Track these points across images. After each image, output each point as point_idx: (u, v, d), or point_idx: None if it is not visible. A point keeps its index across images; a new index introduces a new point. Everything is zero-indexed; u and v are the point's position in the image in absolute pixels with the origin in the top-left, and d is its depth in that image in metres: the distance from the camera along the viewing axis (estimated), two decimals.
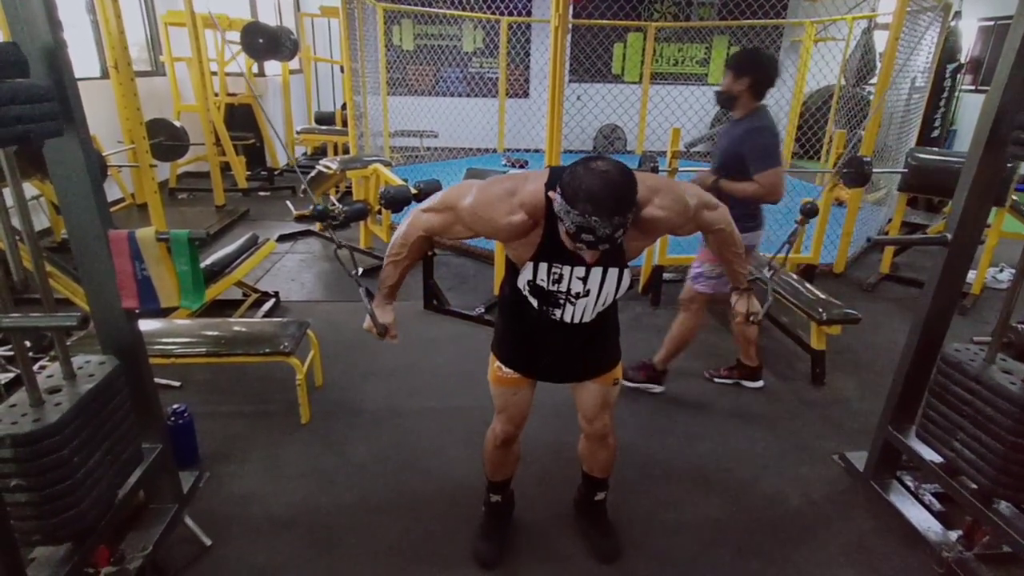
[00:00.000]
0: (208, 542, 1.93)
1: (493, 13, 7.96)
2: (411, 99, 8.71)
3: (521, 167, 7.39)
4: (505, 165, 7.63)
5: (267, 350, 2.51)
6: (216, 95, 6.53)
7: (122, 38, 3.49)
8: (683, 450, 2.48)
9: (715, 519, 2.11)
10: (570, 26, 3.41)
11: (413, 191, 3.32)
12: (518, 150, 8.82)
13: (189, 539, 1.93)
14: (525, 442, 1.95)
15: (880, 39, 6.29)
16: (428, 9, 7.77)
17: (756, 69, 2.41)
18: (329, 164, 4.79)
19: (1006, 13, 7.41)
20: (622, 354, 1.78)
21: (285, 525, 2.03)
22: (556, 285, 1.48)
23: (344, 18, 5.45)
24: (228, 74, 7.01)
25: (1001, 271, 4.53)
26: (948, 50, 5.65)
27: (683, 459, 2.43)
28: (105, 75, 5.54)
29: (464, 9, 7.96)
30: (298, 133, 7.84)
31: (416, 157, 8.55)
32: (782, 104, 8.39)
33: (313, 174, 4.90)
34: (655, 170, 3.48)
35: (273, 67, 7.93)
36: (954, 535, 1.98)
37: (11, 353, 2.78)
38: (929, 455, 2.02)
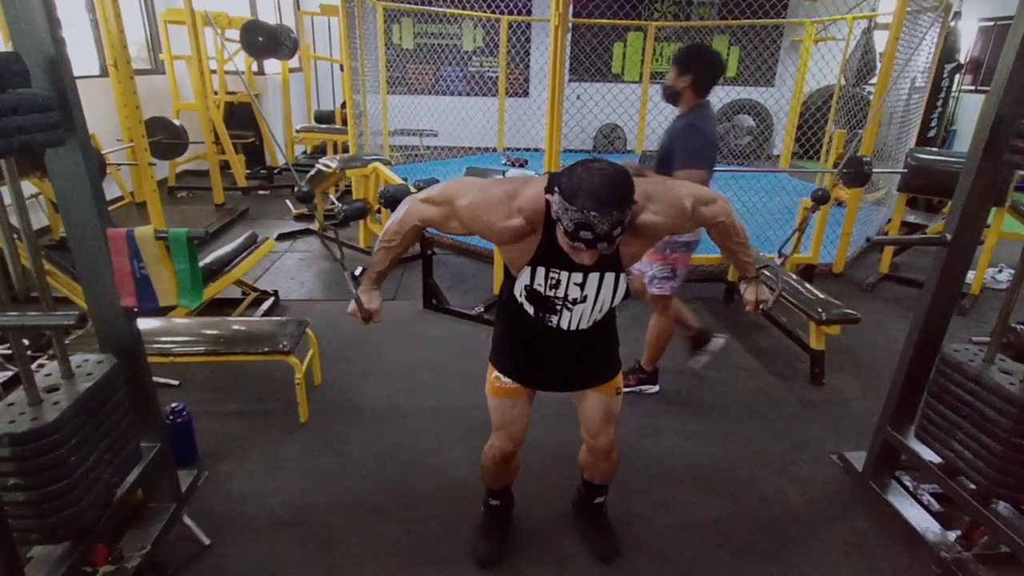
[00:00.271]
0: (207, 541, 1.92)
1: (493, 12, 7.96)
2: (411, 98, 8.71)
3: (521, 166, 7.39)
4: (505, 164, 7.62)
5: (266, 349, 2.51)
6: (215, 93, 6.52)
7: (121, 36, 3.49)
8: (682, 450, 2.48)
9: (714, 519, 2.11)
10: (570, 25, 3.40)
11: (413, 190, 3.32)
12: (518, 149, 8.82)
13: (188, 538, 1.93)
14: (525, 441, 1.95)
15: (880, 39, 6.28)
16: (428, 8, 7.76)
17: (698, 66, 2.41)
18: (329, 163, 4.80)
19: (1006, 13, 7.41)
20: (621, 352, 1.77)
21: (284, 524, 2.03)
22: (553, 290, 1.48)
23: (344, 16, 5.45)
24: (228, 72, 7.00)
25: (1000, 271, 4.53)
26: (946, 50, 5.66)
27: (682, 459, 2.43)
28: (104, 73, 5.54)
29: (464, 8, 7.96)
30: (298, 132, 7.83)
31: (416, 156, 8.55)
32: (782, 104, 8.40)
33: (313, 173, 4.91)
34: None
35: (273, 65, 7.92)
36: (952, 535, 1.98)
37: (9, 351, 2.78)
38: (928, 455, 2.02)
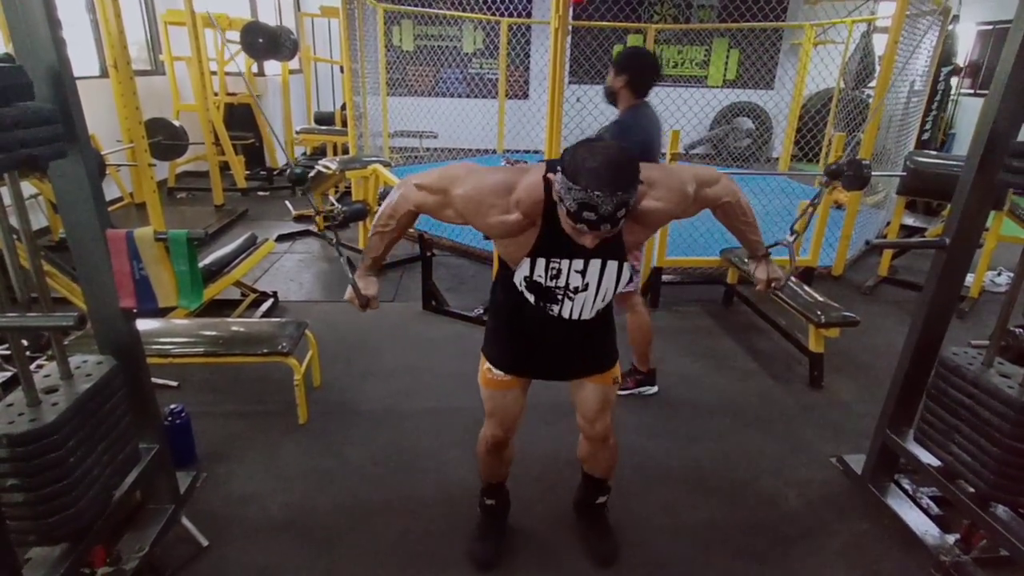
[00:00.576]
0: (205, 543, 1.92)
1: (493, 14, 7.97)
2: (411, 100, 8.71)
3: None
4: (505, 166, 7.62)
5: (265, 350, 2.51)
6: (215, 95, 6.53)
7: (121, 37, 3.49)
8: (681, 452, 2.48)
9: (713, 521, 2.11)
10: (570, 27, 3.41)
11: None
12: (518, 151, 8.82)
13: (186, 539, 1.92)
14: (523, 443, 1.95)
15: (879, 42, 6.30)
16: (428, 10, 7.77)
17: (632, 66, 2.47)
18: (328, 164, 4.79)
19: (1005, 17, 7.43)
20: (620, 353, 1.76)
21: (283, 526, 2.02)
22: (554, 280, 1.46)
23: (344, 18, 5.45)
24: (228, 74, 7.01)
25: (999, 275, 4.54)
26: (943, 53, 5.67)
27: (681, 461, 2.42)
28: (104, 74, 5.54)
29: (464, 10, 7.97)
30: (297, 133, 7.84)
31: (416, 158, 8.55)
32: (781, 107, 8.41)
33: (312, 174, 4.90)
34: None
35: (273, 67, 7.92)
36: (951, 539, 1.98)
37: (8, 352, 2.78)
38: (927, 458, 2.02)
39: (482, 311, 3.64)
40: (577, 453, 1.91)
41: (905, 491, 2.21)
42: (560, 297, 1.49)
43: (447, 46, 9.26)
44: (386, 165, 4.54)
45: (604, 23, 8.48)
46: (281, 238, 5.05)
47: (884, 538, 2.05)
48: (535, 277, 1.46)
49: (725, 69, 9.61)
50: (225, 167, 6.34)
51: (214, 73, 6.58)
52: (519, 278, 1.49)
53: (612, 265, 1.45)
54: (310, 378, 2.81)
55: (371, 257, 1.64)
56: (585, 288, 1.47)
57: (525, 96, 9.54)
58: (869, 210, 5.50)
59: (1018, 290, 1.78)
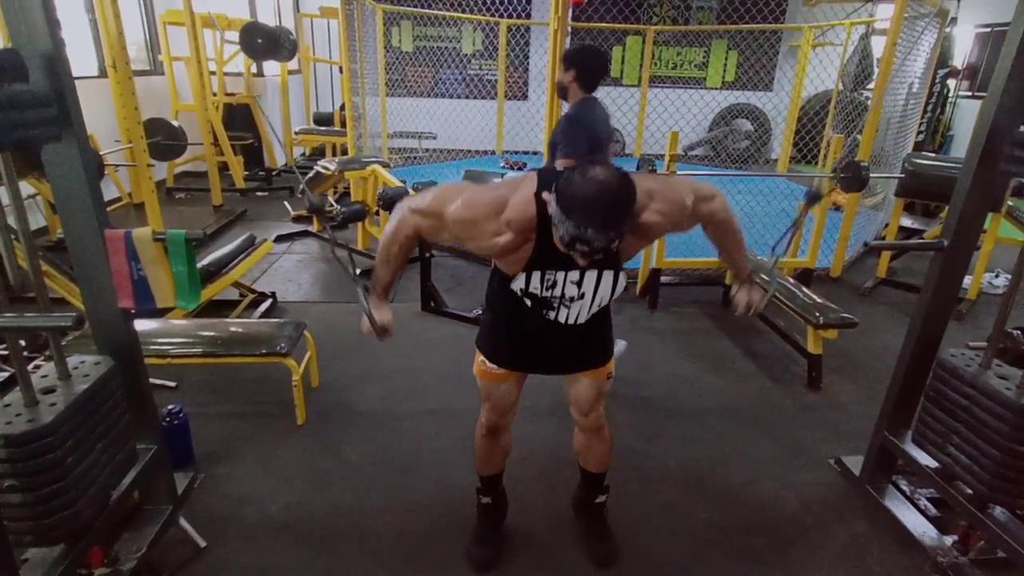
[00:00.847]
0: (203, 543, 1.92)
1: (492, 15, 7.97)
2: (410, 100, 8.71)
3: (519, 169, 7.39)
4: (504, 167, 7.63)
5: (264, 351, 2.51)
6: (214, 95, 6.52)
7: (120, 37, 3.49)
8: (679, 453, 2.48)
9: (711, 522, 2.11)
10: (569, 29, 3.41)
11: (412, 192, 3.32)
12: (517, 152, 8.82)
13: (184, 540, 1.92)
14: (522, 443, 1.95)
15: (878, 44, 6.31)
16: (428, 11, 7.78)
17: (581, 62, 2.55)
18: (327, 165, 4.80)
19: (1003, 20, 7.45)
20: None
21: (281, 527, 2.02)
22: (550, 291, 1.47)
23: (343, 19, 5.45)
24: (227, 74, 7.00)
25: (997, 276, 4.55)
26: (940, 55, 5.68)
27: (679, 462, 2.43)
28: (103, 74, 5.54)
29: (463, 11, 7.97)
30: (296, 134, 7.83)
31: (415, 159, 8.55)
32: (780, 109, 8.43)
33: (311, 175, 4.91)
34: (653, 172, 3.49)
35: (272, 67, 7.92)
36: (949, 540, 1.98)
37: (6, 352, 2.77)
38: (925, 460, 2.03)
39: (480, 312, 3.64)
40: (574, 447, 1.92)
41: (903, 492, 2.21)
42: (556, 305, 1.51)
43: (446, 47, 9.26)
44: (385, 166, 4.54)
45: (603, 24, 8.49)
46: (280, 239, 5.05)
47: (882, 539, 2.05)
48: (531, 288, 1.48)
49: (724, 71, 9.63)
50: (224, 167, 6.33)
51: (213, 73, 6.58)
52: (516, 287, 1.50)
53: (608, 275, 1.46)
54: (308, 379, 2.81)
55: (381, 286, 1.63)
56: (581, 297, 1.49)
57: (524, 97, 9.54)
58: (867, 212, 5.51)
59: (1016, 292, 1.79)
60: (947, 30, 5.59)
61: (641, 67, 8.99)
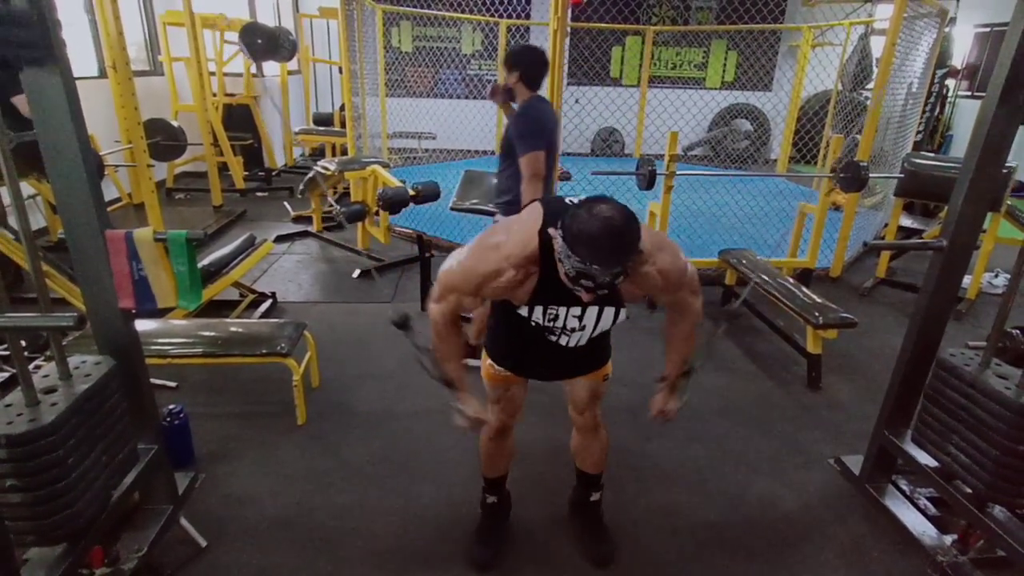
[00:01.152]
0: (203, 543, 1.92)
1: (492, 16, 7.97)
2: (410, 101, 8.72)
3: None
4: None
5: (264, 351, 2.51)
6: (214, 95, 6.52)
7: (120, 38, 3.49)
8: (678, 453, 2.48)
9: (710, 522, 2.11)
10: (568, 29, 3.42)
11: (411, 192, 3.32)
12: None
13: (184, 540, 1.92)
14: (520, 443, 1.95)
15: (877, 44, 6.32)
16: (427, 11, 7.78)
17: (521, 62, 2.61)
18: (327, 165, 4.80)
19: (1002, 20, 7.46)
20: (618, 354, 1.78)
21: (281, 526, 2.02)
22: (552, 322, 1.50)
23: (343, 19, 5.45)
24: (226, 74, 7.01)
25: (996, 276, 4.55)
26: (939, 55, 5.69)
27: (678, 462, 2.43)
28: (103, 75, 5.54)
29: (463, 11, 7.98)
30: (296, 134, 7.83)
31: (414, 159, 8.56)
32: (780, 109, 8.44)
33: (310, 175, 4.91)
34: (652, 174, 3.49)
35: (271, 68, 7.92)
36: (949, 539, 1.98)
37: (7, 352, 2.77)
38: (924, 459, 2.03)
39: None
40: (571, 447, 1.93)
41: (903, 492, 2.22)
42: (558, 333, 1.54)
43: (446, 47, 9.27)
44: (385, 166, 4.54)
45: (602, 25, 8.50)
46: (280, 239, 5.05)
47: (881, 539, 2.06)
48: (533, 320, 1.50)
49: (723, 71, 9.64)
50: (224, 168, 6.33)
51: (212, 74, 6.58)
52: (519, 312, 1.52)
53: (609, 310, 1.48)
54: (308, 379, 2.81)
55: (456, 382, 1.63)
56: (582, 328, 1.52)
57: None
58: (867, 212, 5.52)
59: (1015, 292, 1.79)
60: (946, 30, 5.60)
61: (640, 67, 9.00)
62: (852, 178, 3.66)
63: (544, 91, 2.76)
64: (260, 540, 1.96)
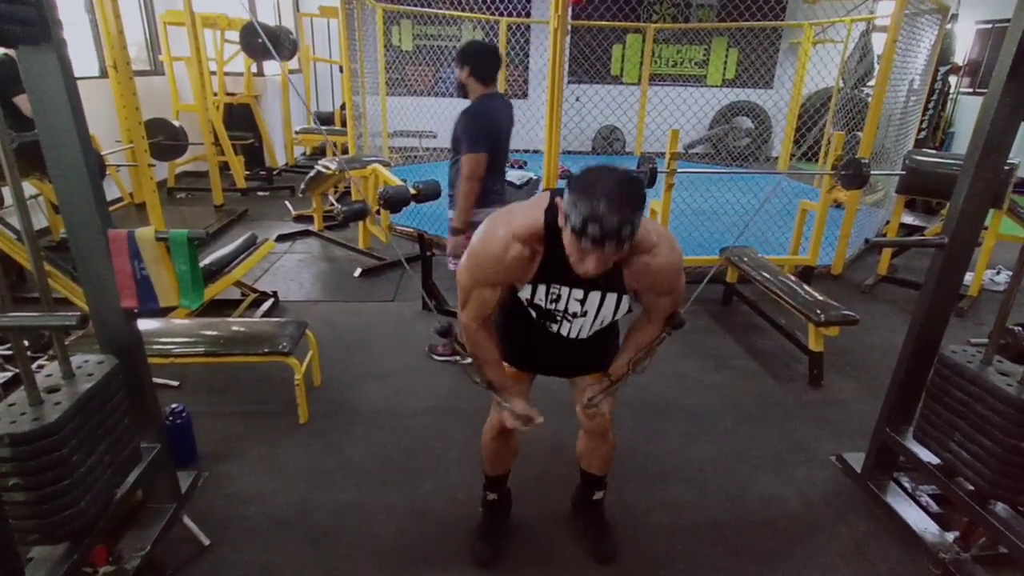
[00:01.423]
0: (206, 542, 1.93)
1: (492, 14, 7.96)
2: (410, 99, 8.71)
3: (520, 167, 7.39)
4: (509, 167, 7.63)
5: (266, 350, 2.51)
6: (215, 95, 6.53)
7: (121, 38, 3.49)
8: (680, 451, 2.48)
9: (712, 520, 2.11)
10: (569, 27, 3.41)
11: (412, 191, 3.32)
12: (517, 151, 8.78)
13: (187, 539, 1.93)
14: (524, 443, 1.95)
15: (878, 41, 6.31)
16: (427, 10, 7.77)
17: (471, 58, 2.64)
18: (328, 164, 4.80)
19: (1004, 16, 7.44)
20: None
21: (283, 525, 2.03)
22: (554, 304, 1.50)
23: (343, 18, 5.45)
24: (227, 74, 7.01)
25: (998, 273, 4.55)
26: (941, 52, 5.68)
27: (680, 460, 2.43)
28: (104, 74, 5.54)
29: (463, 10, 7.97)
30: (297, 133, 7.83)
31: (415, 157, 8.55)
32: (781, 107, 8.42)
33: (312, 174, 4.91)
34: (653, 172, 3.49)
35: (272, 67, 7.92)
36: (951, 536, 1.98)
37: (10, 352, 2.78)
38: (926, 456, 2.03)
39: None
40: (576, 449, 1.92)
41: (904, 489, 2.22)
42: (559, 319, 1.53)
43: (446, 46, 9.25)
44: (385, 165, 4.54)
45: (603, 23, 8.48)
46: (281, 238, 5.06)
47: (883, 536, 2.06)
48: (536, 300, 1.50)
49: (724, 68, 9.62)
50: (225, 167, 6.34)
51: (213, 73, 6.58)
52: (522, 296, 1.52)
53: (611, 297, 1.48)
54: (310, 378, 2.81)
55: (498, 386, 1.63)
56: (584, 315, 1.51)
57: (524, 96, 9.55)
58: (868, 209, 5.51)
59: (1017, 288, 1.79)
60: (948, 27, 5.58)
61: (641, 65, 8.99)
62: (854, 175, 3.66)
63: (543, 88, 2.76)
64: (262, 538, 1.97)
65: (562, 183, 1.80)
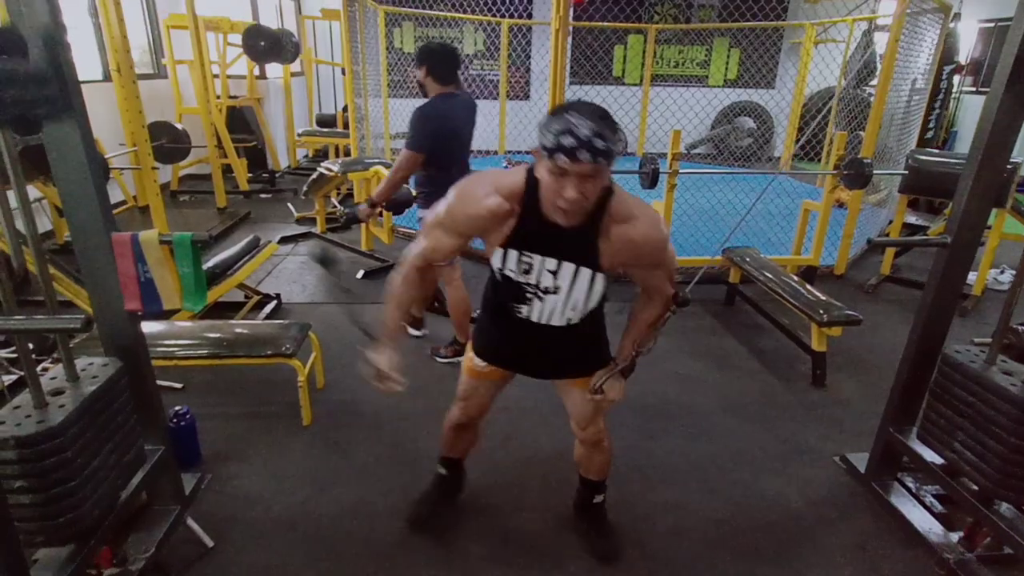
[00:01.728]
0: (210, 543, 1.93)
1: (494, 15, 7.98)
2: (412, 101, 8.72)
3: None
4: (506, 167, 7.63)
5: (269, 352, 2.52)
6: (218, 98, 6.55)
7: (124, 41, 3.51)
8: (683, 451, 2.48)
9: (715, 520, 2.11)
10: (570, 28, 3.42)
11: (414, 193, 3.32)
12: (519, 152, 8.82)
13: (191, 540, 1.93)
14: (525, 444, 1.96)
15: (881, 41, 6.30)
16: (429, 12, 7.79)
17: (428, 58, 2.71)
18: (330, 166, 4.81)
19: (1006, 15, 7.41)
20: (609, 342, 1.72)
21: (287, 526, 2.03)
22: (525, 275, 1.47)
23: (345, 21, 5.46)
24: (229, 77, 7.03)
25: (1002, 272, 4.53)
26: (945, 51, 5.67)
27: (683, 460, 2.43)
28: (107, 78, 5.56)
29: (465, 12, 7.98)
30: (300, 135, 7.85)
31: None
32: (783, 106, 8.41)
33: (314, 176, 4.92)
34: (655, 172, 3.49)
35: (274, 69, 7.94)
36: (955, 537, 1.98)
37: (15, 355, 2.79)
38: (930, 456, 2.02)
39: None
40: (574, 456, 1.93)
41: (908, 489, 2.21)
42: (529, 296, 1.50)
43: None
44: (388, 167, 4.55)
45: (604, 24, 8.49)
46: (284, 240, 5.06)
47: (887, 536, 2.05)
48: (507, 270, 1.48)
49: (726, 69, 9.61)
50: (227, 170, 6.36)
51: (216, 76, 6.60)
52: (494, 264, 1.51)
53: (585, 272, 1.44)
54: (314, 379, 2.82)
55: (385, 327, 1.58)
56: (556, 290, 1.47)
57: (526, 97, 9.55)
58: (871, 209, 5.50)
59: (1021, 288, 1.79)
60: (951, 25, 5.57)
61: (643, 66, 8.99)
62: (856, 175, 3.65)
63: (545, 90, 2.77)
64: (266, 539, 1.97)
65: None
